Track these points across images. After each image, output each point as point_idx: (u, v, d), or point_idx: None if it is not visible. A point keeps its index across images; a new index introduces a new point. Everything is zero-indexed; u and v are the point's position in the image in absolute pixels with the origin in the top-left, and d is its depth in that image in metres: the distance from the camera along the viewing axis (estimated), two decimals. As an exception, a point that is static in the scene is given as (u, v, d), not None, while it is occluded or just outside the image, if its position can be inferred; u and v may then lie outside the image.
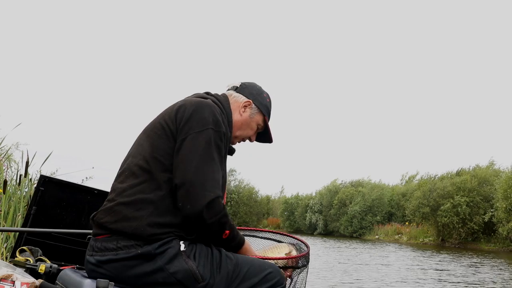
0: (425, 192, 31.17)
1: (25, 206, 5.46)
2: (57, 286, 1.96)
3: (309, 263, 2.31)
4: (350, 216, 39.73)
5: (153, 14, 65.57)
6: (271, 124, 2.36)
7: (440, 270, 13.65)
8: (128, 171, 2.01)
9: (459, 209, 28.64)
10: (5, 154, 7.73)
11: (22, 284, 1.91)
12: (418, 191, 32.53)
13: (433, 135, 63.25)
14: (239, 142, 2.33)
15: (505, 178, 26.21)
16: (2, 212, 5.31)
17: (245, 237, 2.18)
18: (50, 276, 2.08)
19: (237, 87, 2.32)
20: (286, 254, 2.30)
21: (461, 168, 32.73)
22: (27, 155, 6.21)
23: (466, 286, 10.43)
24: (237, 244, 2.08)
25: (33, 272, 2.11)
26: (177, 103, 2.11)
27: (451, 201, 29.07)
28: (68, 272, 1.98)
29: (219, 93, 2.29)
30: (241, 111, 2.26)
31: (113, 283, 1.79)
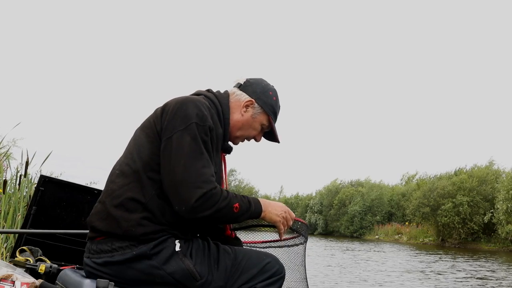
0: (425, 192, 31.14)
1: (25, 206, 5.46)
2: (57, 286, 1.96)
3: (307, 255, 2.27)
4: (350, 215, 39.70)
5: (153, 13, 65.55)
6: (279, 122, 2.23)
7: (440, 271, 13.64)
8: (118, 171, 1.99)
9: (460, 208, 28.62)
10: (5, 154, 7.73)
11: (22, 284, 1.90)
12: (418, 191, 32.49)
13: (433, 135, 63.34)
14: (242, 141, 2.24)
15: (508, 178, 26.18)
16: (2, 212, 5.31)
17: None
18: (50, 276, 2.08)
19: (241, 84, 2.21)
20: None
21: (459, 168, 32.74)
22: (27, 155, 6.22)
23: (467, 286, 10.42)
24: (255, 212, 2.00)
25: (33, 272, 2.10)
26: (167, 101, 2.07)
27: (453, 200, 29.05)
28: (68, 272, 1.98)
29: (222, 90, 2.21)
30: (242, 111, 2.16)
31: (113, 283, 1.80)
